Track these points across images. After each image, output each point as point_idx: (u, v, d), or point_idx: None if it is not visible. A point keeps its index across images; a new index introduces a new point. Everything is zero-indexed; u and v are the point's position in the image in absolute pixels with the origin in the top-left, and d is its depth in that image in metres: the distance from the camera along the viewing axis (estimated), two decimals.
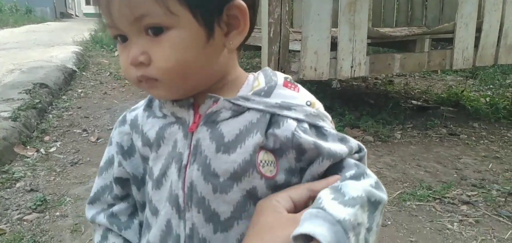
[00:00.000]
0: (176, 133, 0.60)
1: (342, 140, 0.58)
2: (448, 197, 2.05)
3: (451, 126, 3.08)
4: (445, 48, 3.09)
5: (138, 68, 0.54)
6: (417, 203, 2.01)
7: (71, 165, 2.44)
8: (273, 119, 0.57)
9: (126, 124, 0.67)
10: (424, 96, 3.93)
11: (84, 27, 7.82)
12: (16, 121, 2.80)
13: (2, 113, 2.87)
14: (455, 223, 1.83)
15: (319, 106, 0.60)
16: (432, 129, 3.01)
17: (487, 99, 3.66)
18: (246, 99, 0.57)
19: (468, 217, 1.88)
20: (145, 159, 0.64)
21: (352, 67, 2.64)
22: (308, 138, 0.56)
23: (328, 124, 0.59)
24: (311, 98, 0.60)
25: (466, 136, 2.90)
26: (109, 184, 0.70)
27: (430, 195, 2.07)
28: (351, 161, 0.57)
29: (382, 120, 3.08)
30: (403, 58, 2.82)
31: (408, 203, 2.00)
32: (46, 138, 2.86)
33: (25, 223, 1.83)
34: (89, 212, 0.71)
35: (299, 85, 0.62)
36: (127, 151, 0.66)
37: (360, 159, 0.59)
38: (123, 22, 0.52)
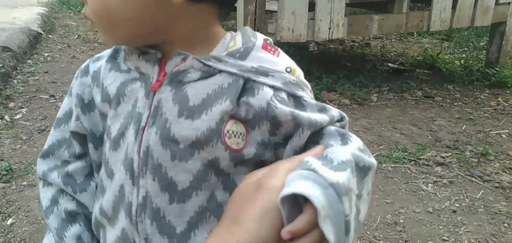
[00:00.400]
0: (138, 91, 0.54)
1: (322, 110, 0.53)
2: (423, 159, 2.07)
3: (426, 88, 3.11)
4: (423, 9, 3.07)
5: (84, 5, 0.53)
6: (392, 165, 2.02)
7: (38, 132, 2.33)
8: (247, 85, 0.51)
9: (88, 75, 0.61)
10: (400, 59, 3.94)
11: None
12: None
13: None
14: (430, 184, 1.86)
15: (299, 73, 0.55)
16: (408, 92, 3.03)
17: (462, 61, 3.70)
18: (219, 60, 0.51)
19: (442, 178, 1.91)
20: (103, 116, 0.59)
21: (330, 28, 2.58)
22: (284, 108, 0.50)
23: (307, 94, 0.54)
24: (292, 64, 0.54)
25: (440, 99, 2.93)
26: (67, 137, 0.63)
27: (406, 157, 2.09)
28: (332, 128, 0.53)
29: (358, 83, 3.07)
30: (381, 19, 2.78)
31: (384, 165, 2.01)
32: (11, 104, 2.71)
33: None
34: (41, 167, 0.65)
35: (280, 49, 0.56)
36: (87, 105, 0.60)
37: (342, 128, 0.55)
38: None
